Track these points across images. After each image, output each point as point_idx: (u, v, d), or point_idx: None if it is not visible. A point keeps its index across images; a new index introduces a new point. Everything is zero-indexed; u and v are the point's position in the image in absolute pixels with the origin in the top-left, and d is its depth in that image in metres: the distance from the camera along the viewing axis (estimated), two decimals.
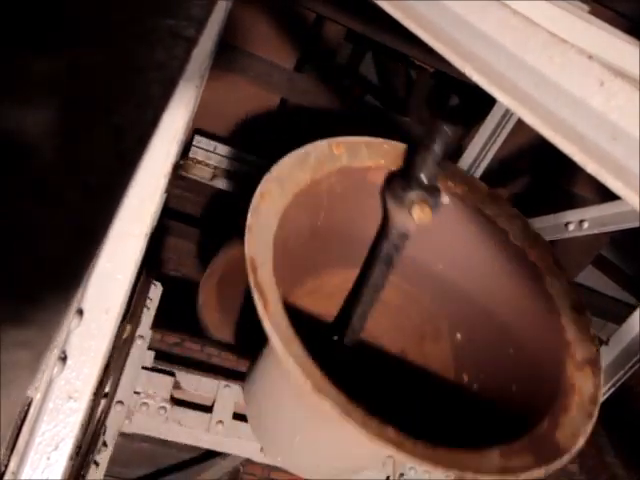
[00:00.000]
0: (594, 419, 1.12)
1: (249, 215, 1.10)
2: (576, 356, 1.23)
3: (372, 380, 1.67)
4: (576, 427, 1.11)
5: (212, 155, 2.68)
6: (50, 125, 0.26)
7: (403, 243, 1.35)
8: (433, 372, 1.65)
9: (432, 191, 1.25)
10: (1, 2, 0.32)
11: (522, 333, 1.40)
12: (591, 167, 0.50)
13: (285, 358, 0.92)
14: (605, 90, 0.53)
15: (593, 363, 1.21)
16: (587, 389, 1.18)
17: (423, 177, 1.23)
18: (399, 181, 1.28)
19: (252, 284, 0.99)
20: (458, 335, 1.61)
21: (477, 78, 0.59)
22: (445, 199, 1.42)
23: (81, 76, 0.29)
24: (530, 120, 0.55)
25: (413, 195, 1.24)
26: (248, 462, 2.69)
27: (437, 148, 1.19)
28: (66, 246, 0.23)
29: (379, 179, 1.42)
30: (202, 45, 0.53)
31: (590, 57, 0.56)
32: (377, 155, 1.42)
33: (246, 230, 1.06)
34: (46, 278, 0.21)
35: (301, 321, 1.07)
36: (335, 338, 1.53)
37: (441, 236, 1.51)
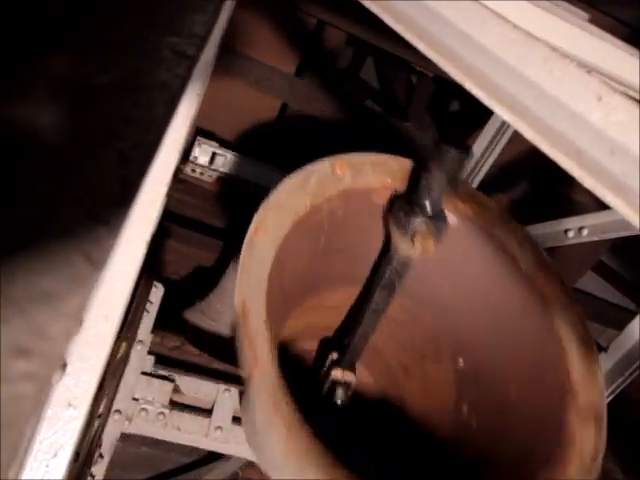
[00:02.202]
0: (593, 476, 1.04)
1: (242, 252, 1.05)
2: (579, 402, 1.15)
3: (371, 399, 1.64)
4: None
5: (213, 160, 2.69)
6: (52, 150, 0.26)
7: (405, 270, 1.31)
8: (433, 396, 1.62)
9: (437, 219, 1.20)
10: None
11: (525, 368, 1.34)
12: (588, 182, 0.51)
13: (268, 426, 0.90)
14: (604, 105, 0.53)
15: (597, 413, 1.14)
16: (588, 443, 1.09)
17: (427, 205, 1.17)
18: (403, 206, 1.22)
19: (240, 334, 0.92)
20: (460, 360, 1.56)
21: (476, 92, 0.59)
22: (453, 221, 1.37)
23: (84, 98, 0.29)
24: (529, 135, 0.56)
25: (416, 223, 1.17)
26: (248, 466, 2.69)
27: (442, 174, 1.13)
28: (70, 276, 0.23)
29: (384, 199, 1.36)
30: (205, 56, 0.54)
31: (589, 71, 0.56)
32: (383, 174, 1.35)
33: (239, 270, 1.00)
34: (50, 309, 0.21)
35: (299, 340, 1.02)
36: (335, 357, 1.50)
37: (448, 258, 1.45)
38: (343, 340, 1.51)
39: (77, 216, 0.24)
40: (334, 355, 1.52)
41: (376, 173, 1.34)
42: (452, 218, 1.36)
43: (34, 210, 0.24)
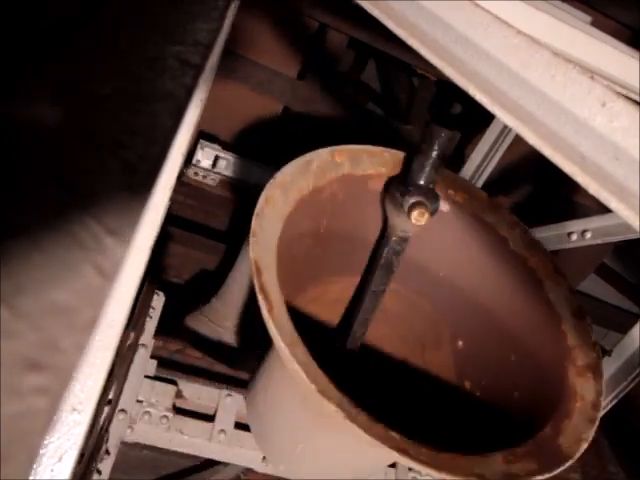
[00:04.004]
0: (596, 424, 1.15)
1: (253, 219, 1.12)
2: (577, 362, 1.25)
3: (374, 389, 1.66)
4: (578, 433, 1.13)
5: (215, 163, 2.69)
6: (58, 160, 0.27)
7: (402, 248, 1.39)
8: (435, 380, 1.65)
9: (430, 195, 1.28)
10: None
11: (523, 340, 1.42)
12: (593, 188, 0.51)
13: (290, 361, 0.92)
14: (607, 111, 0.53)
15: (594, 369, 1.24)
16: (589, 395, 1.20)
17: (421, 181, 1.27)
18: (398, 186, 1.32)
19: (257, 287, 0.99)
20: (459, 342, 1.62)
21: (480, 97, 0.59)
22: (445, 206, 1.49)
23: (88, 108, 0.29)
24: (532, 140, 0.56)
25: (411, 199, 1.26)
26: (249, 470, 2.68)
27: (434, 153, 1.24)
28: (82, 289, 0.23)
29: (380, 186, 1.46)
30: (209, 64, 0.54)
31: (592, 77, 0.57)
32: (378, 163, 1.46)
33: (250, 234, 1.07)
34: (62, 321, 0.21)
35: (304, 328, 1.07)
36: (337, 345, 1.52)
37: (442, 244, 1.56)
38: (344, 329, 1.54)
39: (86, 226, 0.25)
40: (336, 344, 1.53)
41: (372, 163, 1.46)
42: (445, 205, 1.47)
43: (42, 220, 0.24)
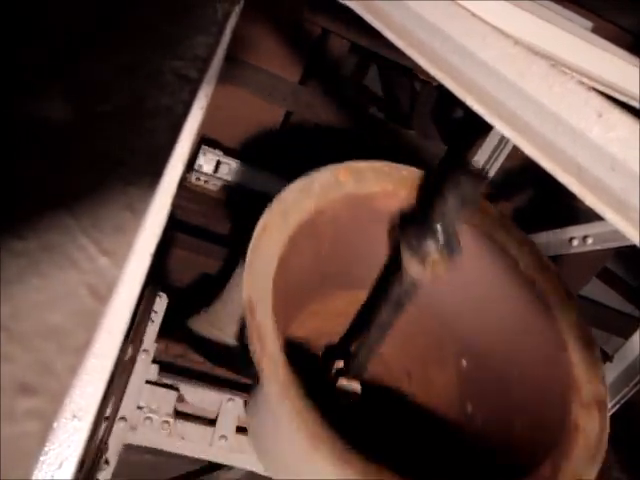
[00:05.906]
0: (598, 463, 1.07)
1: (248, 252, 1.07)
2: (582, 395, 1.18)
3: (375, 404, 1.65)
4: (577, 473, 1.06)
5: (217, 168, 2.70)
6: (56, 180, 0.27)
7: (414, 291, 1.31)
8: (437, 398, 1.64)
9: (450, 243, 1.18)
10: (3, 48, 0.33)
11: (527, 366, 1.38)
12: (589, 199, 0.51)
13: (279, 408, 0.90)
14: (604, 121, 0.54)
15: (600, 404, 1.17)
16: (592, 430, 1.12)
17: (440, 230, 1.16)
18: (414, 229, 1.21)
19: (248, 328, 0.96)
20: (463, 362, 1.60)
21: (477, 108, 0.60)
22: (462, 227, 1.40)
23: (90, 126, 0.30)
24: (529, 151, 0.56)
25: (428, 247, 1.16)
26: (251, 474, 2.68)
27: (457, 201, 1.11)
28: (76, 311, 0.23)
29: (386, 205, 1.41)
30: (208, 75, 0.54)
31: (589, 88, 0.57)
32: (384, 180, 1.41)
33: (245, 268, 1.04)
34: (56, 344, 0.22)
35: (304, 345, 1.03)
36: (340, 366, 1.50)
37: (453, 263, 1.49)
38: (348, 348, 1.52)
39: (82, 248, 0.25)
40: (339, 364, 1.52)
41: (377, 179, 1.41)
42: (462, 226, 1.39)
43: (42, 243, 0.24)
